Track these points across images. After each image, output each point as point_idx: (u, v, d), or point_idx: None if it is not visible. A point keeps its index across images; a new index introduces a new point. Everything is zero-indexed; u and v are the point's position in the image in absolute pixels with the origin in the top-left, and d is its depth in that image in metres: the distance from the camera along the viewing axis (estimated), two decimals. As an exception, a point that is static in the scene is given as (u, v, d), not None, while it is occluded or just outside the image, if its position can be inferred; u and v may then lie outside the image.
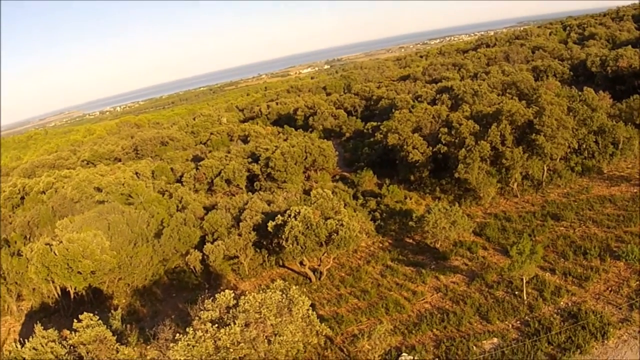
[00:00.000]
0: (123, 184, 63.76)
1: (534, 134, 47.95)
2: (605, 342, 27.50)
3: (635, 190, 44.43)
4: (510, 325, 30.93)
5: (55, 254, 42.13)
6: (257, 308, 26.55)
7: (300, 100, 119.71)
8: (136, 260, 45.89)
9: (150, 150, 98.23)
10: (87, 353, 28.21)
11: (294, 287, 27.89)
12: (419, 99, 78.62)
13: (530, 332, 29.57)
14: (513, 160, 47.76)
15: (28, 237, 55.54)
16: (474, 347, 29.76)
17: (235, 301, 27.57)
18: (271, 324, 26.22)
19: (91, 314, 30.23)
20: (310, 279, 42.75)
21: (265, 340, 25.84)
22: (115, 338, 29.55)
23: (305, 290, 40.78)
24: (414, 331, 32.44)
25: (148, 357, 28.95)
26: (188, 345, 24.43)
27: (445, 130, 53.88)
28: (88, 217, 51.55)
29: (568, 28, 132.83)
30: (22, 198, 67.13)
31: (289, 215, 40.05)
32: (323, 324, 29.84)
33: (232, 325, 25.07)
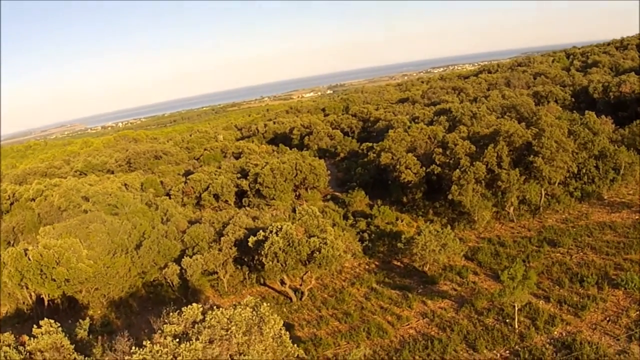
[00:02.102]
0: (110, 194, 62.39)
1: (532, 156, 46.05)
2: (601, 375, 25.47)
3: (636, 217, 42.52)
4: (499, 355, 28.97)
5: (29, 259, 40.97)
6: (225, 325, 24.47)
7: (297, 120, 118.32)
8: (113, 271, 44.22)
9: (143, 163, 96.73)
10: (44, 360, 26.35)
11: (264, 305, 25.76)
12: (416, 121, 77.03)
13: (520, 363, 27.47)
14: (509, 182, 45.79)
15: (12, 242, 54.60)
16: (459, 377, 27.64)
17: (202, 316, 25.53)
18: (237, 342, 24.07)
19: (52, 321, 28.33)
20: (290, 298, 40.53)
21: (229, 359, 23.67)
22: (73, 347, 27.57)
23: (284, 310, 38.76)
24: (394, 357, 30.36)
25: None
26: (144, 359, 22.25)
27: (440, 150, 52.04)
28: (69, 225, 50.55)
29: (571, 56, 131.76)
30: (12, 204, 66.39)
31: (271, 231, 38.03)
32: (300, 346, 27.72)
33: (194, 340, 22.94)
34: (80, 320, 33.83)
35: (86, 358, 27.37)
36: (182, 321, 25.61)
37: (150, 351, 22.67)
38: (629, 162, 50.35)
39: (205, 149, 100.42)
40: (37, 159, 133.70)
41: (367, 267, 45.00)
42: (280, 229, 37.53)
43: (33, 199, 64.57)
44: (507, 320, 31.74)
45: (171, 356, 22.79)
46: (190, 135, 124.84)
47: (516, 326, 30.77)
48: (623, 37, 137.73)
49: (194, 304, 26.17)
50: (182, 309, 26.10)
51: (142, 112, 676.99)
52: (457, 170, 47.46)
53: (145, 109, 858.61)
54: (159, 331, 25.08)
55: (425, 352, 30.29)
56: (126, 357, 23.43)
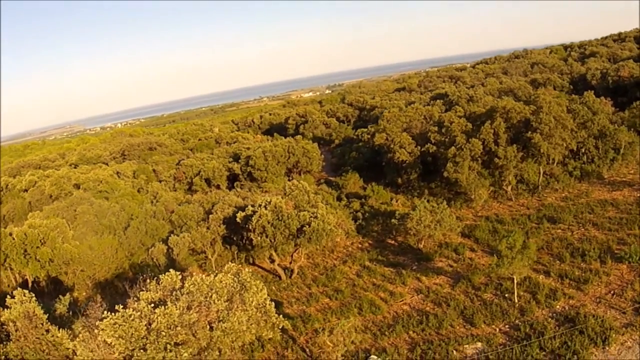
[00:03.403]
0: (101, 181, 61.29)
1: (530, 132, 44.45)
2: (606, 348, 24.09)
3: (638, 195, 41.05)
4: (498, 329, 27.51)
5: (13, 239, 40.18)
6: (206, 292, 22.97)
7: (292, 111, 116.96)
8: (99, 251, 43.11)
9: (137, 155, 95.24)
10: (16, 331, 25.11)
11: (246, 270, 24.24)
12: (412, 105, 75.45)
13: (520, 337, 26.16)
14: (506, 159, 44.17)
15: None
16: (454, 351, 26.23)
17: (181, 283, 24.04)
18: (217, 310, 22.53)
19: (26, 290, 27.07)
20: (279, 276, 38.97)
21: (207, 326, 22.13)
22: (46, 317, 26.28)
23: (273, 288, 37.34)
24: (387, 332, 28.90)
25: (78, 338, 25.22)
26: (115, 324, 20.67)
27: (436, 129, 50.42)
28: (57, 208, 50.12)
29: (569, 48, 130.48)
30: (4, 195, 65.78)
31: (259, 205, 36.50)
32: (286, 320, 26.21)
33: (169, 305, 21.40)
34: (60, 297, 32.59)
35: (60, 329, 25.85)
36: (159, 289, 24.14)
37: (123, 316, 21.16)
38: (629, 142, 49.04)
39: (199, 139, 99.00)
40: (33, 156, 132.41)
41: (360, 246, 43.54)
42: (269, 202, 36.03)
43: (26, 190, 63.95)
44: (506, 295, 30.34)
45: (146, 321, 21.31)
46: (186, 128, 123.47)
47: (516, 300, 29.37)
48: (621, 32, 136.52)
49: (172, 271, 24.70)
50: (160, 276, 24.63)
51: (141, 113, 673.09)
52: (453, 147, 45.87)
53: (144, 109, 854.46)
54: (134, 298, 23.63)
55: (419, 327, 28.89)
56: (97, 322, 21.85)
